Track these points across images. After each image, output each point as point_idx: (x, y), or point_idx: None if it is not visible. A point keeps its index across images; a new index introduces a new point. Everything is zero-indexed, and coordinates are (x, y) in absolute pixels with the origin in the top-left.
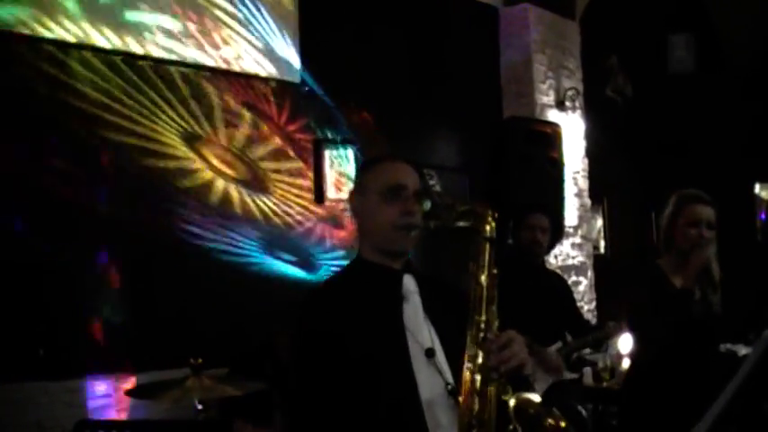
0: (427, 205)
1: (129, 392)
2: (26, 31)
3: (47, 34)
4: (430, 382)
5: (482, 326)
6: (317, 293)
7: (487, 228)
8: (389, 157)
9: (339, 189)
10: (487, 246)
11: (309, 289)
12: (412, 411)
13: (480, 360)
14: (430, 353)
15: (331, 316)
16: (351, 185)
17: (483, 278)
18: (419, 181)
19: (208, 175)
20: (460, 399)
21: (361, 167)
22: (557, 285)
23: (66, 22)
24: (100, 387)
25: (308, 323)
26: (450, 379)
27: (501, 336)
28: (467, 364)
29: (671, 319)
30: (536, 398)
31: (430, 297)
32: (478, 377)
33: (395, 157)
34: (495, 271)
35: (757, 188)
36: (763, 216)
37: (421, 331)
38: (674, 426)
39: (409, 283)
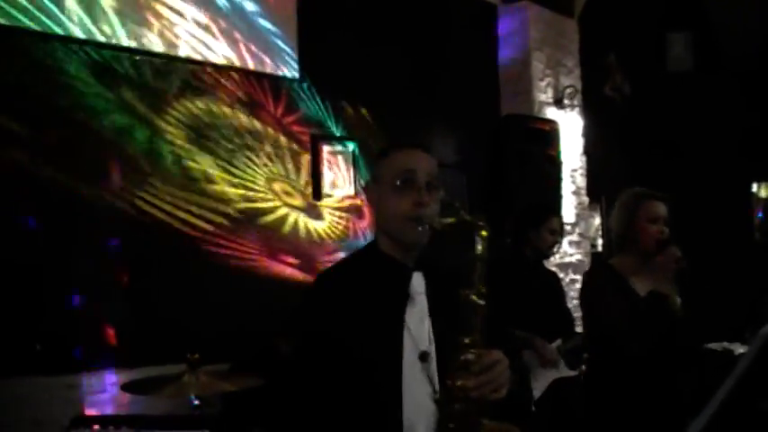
0: (441, 191)
1: (125, 387)
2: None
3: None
4: (417, 387)
5: (466, 346)
6: (322, 280)
7: (479, 247)
8: (404, 143)
9: (336, 185)
10: (478, 264)
11: (318, 274)
12: (392, 414)
13: (460, 382)
14: (424, 357)
15: (333, 305)
16: (348, 182)
17: (473, 297)
18: (434, 168)
19: (210, 171)
20: (442, 415)
21: (377, 156)
22: (553, 283)
23: (62, 17)
24: (96, 382)
25: (309, 311)
26: (438, 387)
27: (484, 358)
28: (447, 383)
29: (649, 327)
30: (510, 426)
31: (437, 298)
32: (457, 397)
33: (411, 143)
34: (484, 290)
35: (755, 187)
36: (760, 214)
37: (420, 334)
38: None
39: (418, 282)
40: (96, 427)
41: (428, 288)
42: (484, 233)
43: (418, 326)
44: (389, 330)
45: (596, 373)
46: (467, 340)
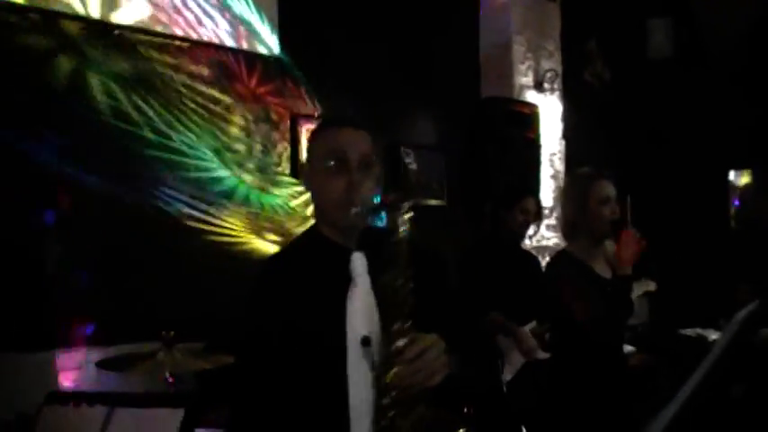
0: (376, 171)
1: (100, 364)
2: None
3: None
4: (361, 372)
5: (396, 334)
6: (268, 264)
7: (399, 228)
8: (335, 121)
9: None
10: (402, 247)
11: (265, 259)
12: (338, 400)
13: (393, 369)
14: (366, 341)
15: (278, 289)
16: None
17: (397, 282)
18: (368, 149)
19: (184, 148)
20: (381, 403)
21: (311, 135)
22: (531, 265)
23: None
24: (71, 359)
25: (257, 295)
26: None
27: (414, 345)
28: (382, 372)
29: (622, 313)
30: (449, 414)
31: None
32: (392, 386)
33: (341, 120)
34: (409, 272)
35: (732, 175)
36: (736, 203)
37: (363, 317)
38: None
39: (360, 262)
40: (71, 403)
41: (372, 268)
42: (402, 214)
43: (361, 309)
44: (331, 314)
45: (561, 360)
46: (396, 326)
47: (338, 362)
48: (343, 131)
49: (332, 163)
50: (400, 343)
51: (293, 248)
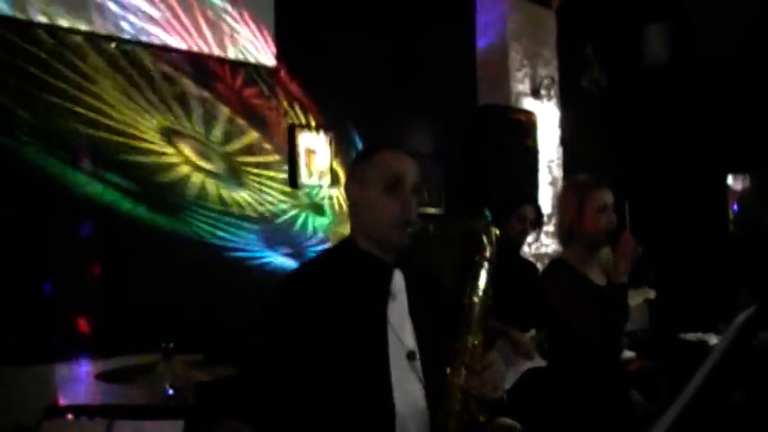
0: (425, 195)
1: (99, 377)
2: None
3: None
4: (407, 385)
5: (469, 346)
6: (300, 274)
7: (488, 251)
8: (390, 147)
9: (312, 174)
10: (487, 267)
11: (292, 269)
12: (384, 415)
13: (462, 380)
14: (412, 356)
15: (314, 300)
16: (325, 171)
17: (477, 299)
18: (418, 173)
19: (181, 162)
20: (440, 413)
21: (361, 156)
22: (530, 273)
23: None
24: (70, 372)
25: (288, 305)
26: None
27: (484, 358)
28: (449, 381)
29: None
30: (512, 423)
31: (415, 296)
32: (458, 396)
33: (395, 147)
34: (491, 293)
35: (730, 179)
36: (735, 207)
37: (404, 332)
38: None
39: (399, 279)
40: (70, 416)
41: (408, 286)
42: (495, 235)
43: (401, 324)
44: (373, 327)
45: (559, 368)
46: (471, 340)
47: (382, 372)
48: (402, 157)
49: (391, 185)
50: (471, 355)
51: (328, 260)
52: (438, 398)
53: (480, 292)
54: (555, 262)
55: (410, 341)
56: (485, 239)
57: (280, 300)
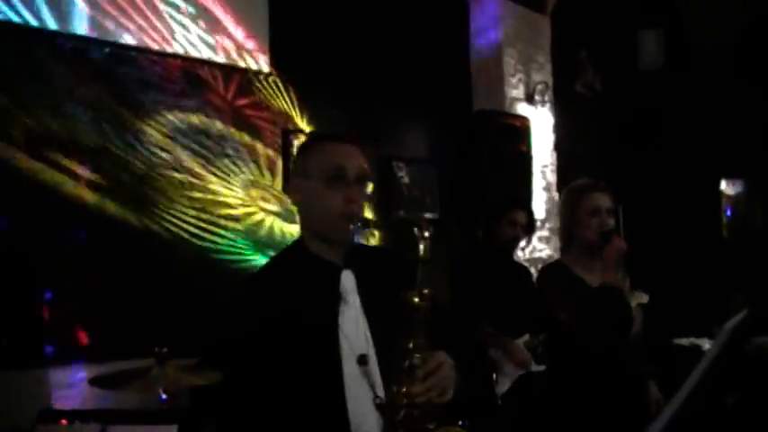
0: (369, 186)
1: (93, 382)
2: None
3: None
4: (359, 391)
5: (410, 351)
6: (254, 280)
7: (421, 247)
8: (331, 136)
9: None
10: (421, 266)
11: (249, 275)
12: (337, 421)
13: (405, 388)
14: (363, 360)
15: (265, 307)
16: None
17: (415, 300)
18: (364, 164)
19: (178, 165)
20: (385, 425)
21: (302, 148)
22: (524, 278)
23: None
24: (64, 377)
25: (244, 311)
26: (380, 390)
27: (428, 362)
28: (392, 390)
29: (609, 324)
30: (458, 429)
31: (370, 297)
32: (402, 404)
33: (338, 136)
34: (426, 291)
35: (723, 184)
36: (729, 212)
37: (357, 335)
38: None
39: (348, 280)
40: (64, 421)
41: (360, 287)
42: (426, 234)
43: (353, 327)
44: (323, 333)
45: (556, 371)
46: (410, 344)
47: (334, 379)
48: (340, 146)
49: (332, 177)
50: (413, 360)
51: (280, 264)
52: (385, 405)
53: (416, 293)
54: (551, 264)
55: (362, 345)
56: (418, 238)
57: (236, 309)
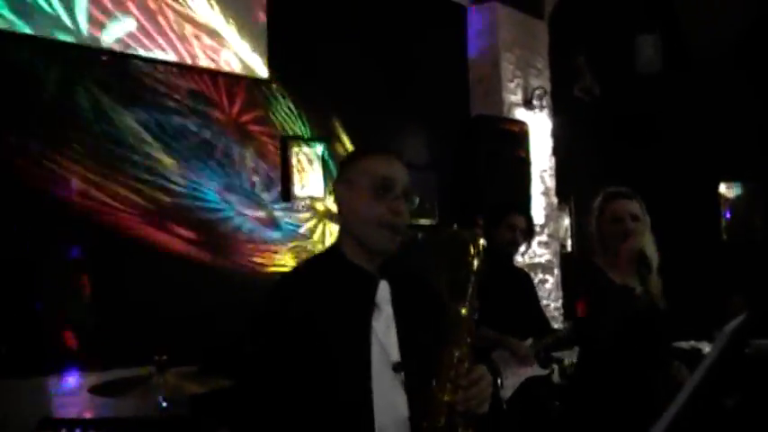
0: (415, 203)
1: (93, 390)
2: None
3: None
4: (390, 397)
5: (455, 360)
6: (286, 283)
7: (475, 261)
8: (380, 149)
9: (305, 186)
10: (473, 279)
11: (279, 278)
12: (364, 426)
13: (447, 394)
14: (397, 368)
15: (298, 311)
16: (318, 182)
17: (464, 311)
18: (408, 178)
19: (174, 173)
20: (424, 426)
21: (350, 158)
22: (524, 283)
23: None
24: (64, 384)
25: (275, 315)
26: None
27: (472, 372)
28: (435, 395)
29: (613, 316)
30: None
31: (403, 307)
32: (443, 410)
33: (386, 150)
34: (477, 306)
35: (722, 187)
36: (728, 215)
37: (389, 344)
38: (619, 424)
39: (384, 290)
40: (64, 430)
41: (393, 297)
42: (481, 246)
43: (386, 335)
44: (357, 339)
45: (582, 371)
46: (456, 354)
47: (362, 386)
48: (393, 161)
49: (379, 187)
50: (458, 370)
51: (314, 269)
52: (423, 411)
53: (466, 305)
54: (580, 261)
55: (395, 353)
56: (472, 251)
57: (266, 310)
